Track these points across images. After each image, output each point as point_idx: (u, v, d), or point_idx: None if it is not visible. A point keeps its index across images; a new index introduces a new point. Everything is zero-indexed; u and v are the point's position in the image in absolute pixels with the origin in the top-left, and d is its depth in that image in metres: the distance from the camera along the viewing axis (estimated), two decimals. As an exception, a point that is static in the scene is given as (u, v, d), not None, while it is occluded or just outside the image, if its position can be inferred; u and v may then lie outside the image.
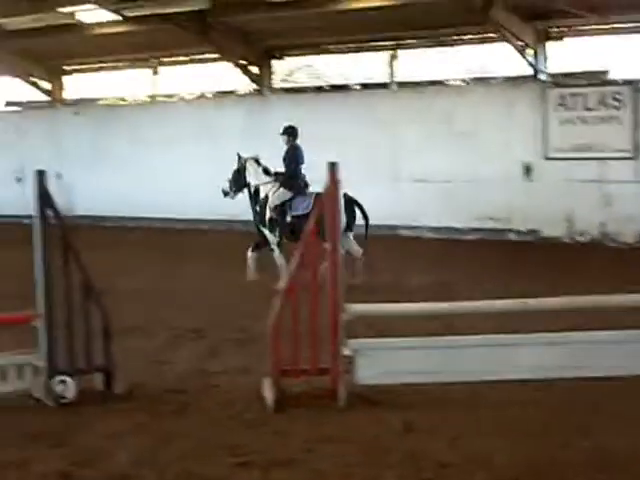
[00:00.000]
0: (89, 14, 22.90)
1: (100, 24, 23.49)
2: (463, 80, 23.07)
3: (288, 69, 25.76)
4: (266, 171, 15.55)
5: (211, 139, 24.20)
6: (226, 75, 25.68)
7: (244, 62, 24.57)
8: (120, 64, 27.29)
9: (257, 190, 15.50)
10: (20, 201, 25.41)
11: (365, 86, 24.24)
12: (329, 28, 22.64)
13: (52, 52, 26.53)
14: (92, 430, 7.71)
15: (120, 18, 22.64)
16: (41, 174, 8.81)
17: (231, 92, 26.31)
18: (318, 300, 8.22)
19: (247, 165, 15.65)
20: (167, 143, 24.75)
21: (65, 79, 28.33)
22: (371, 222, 14.92)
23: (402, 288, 14.28)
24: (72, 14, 22.84)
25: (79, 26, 23.65)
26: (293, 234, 14.67)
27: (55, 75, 28.00)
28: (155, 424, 7.87)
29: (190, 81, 26.67)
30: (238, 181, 15.68)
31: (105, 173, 25.61)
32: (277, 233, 15.21)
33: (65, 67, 27.97)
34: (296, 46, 24.46)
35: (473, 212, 21.39)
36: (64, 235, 8.75)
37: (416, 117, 22.13)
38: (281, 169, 15.40)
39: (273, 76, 25.18)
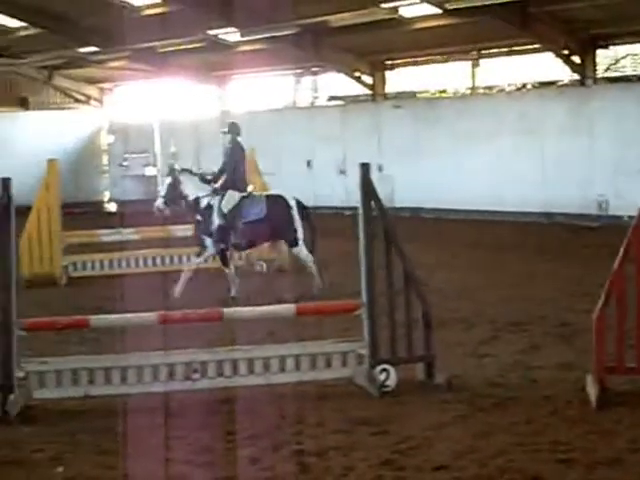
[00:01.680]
0: (411, 8, 23.21)
1: (421, 18, 23.74)
2: None
3: (612, 58, 24.92)
4: (203, 179, 14.38)
5: (531, 132, 23.85)
6: (546, 66, 25.22)
7: (565, 52, 24.03)
8: (440, 57, 27.45)
9: (197, 201, 14.25)
10: (342, 193, 26.16)
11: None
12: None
13: (374, 47, 27.06)
14: (413, 420, 7.80)
15: (441, 11, 22.78)
16: (365, 167, 9.01)
17: (552, 83, 25.82)
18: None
19: (181, 177, 14.43)
20: (487, 136, 24.62)
21: (387, 73, 28.84)
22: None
23: None
24: (394, 9, 23.23)
25: (400, 21, 24.01)
26: (245, 242, 14.08)
27: (377, 69, 28.54)
28: (475, 417, 7.86)
29: (510, 73, 26.41)
30: (173, 195, 14.40)
31: (425, 166, 25.84)
32: (225, 243, 14.04)
33: (387, 61, 28.46)
34: (623, 34, 23.59)
35: None
36: (387, 226, 8.90)
37: None
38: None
39: (597, 66, 24.44)
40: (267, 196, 14.34)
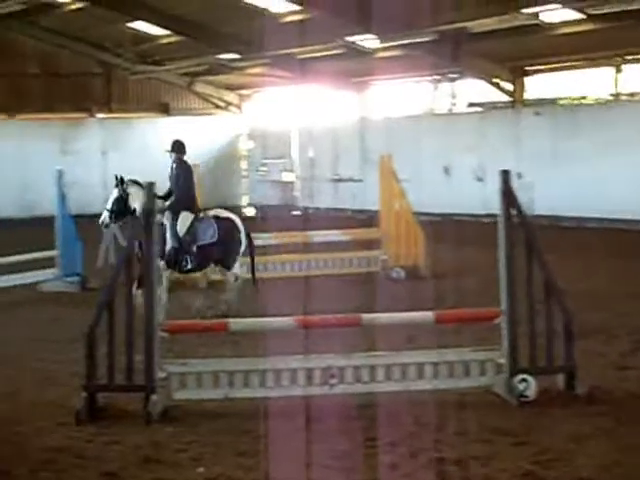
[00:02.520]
0: (552, 14, 22.84)
1: (563, 23, 23.34)
2: None
3: None
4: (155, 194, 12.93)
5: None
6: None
7: None
8: (581, 63, 26.97)
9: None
10: (480, 200, 25.91)
11: None
12: None
13: (514, 53, 26.75)
14: (554, 431, 7.66)
15: (583, 16, 22.36)
16: (506, 174, 8.91)
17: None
18: None
19: (130, 190, 13.39)
20: (629, 144, 24.06)
21: (526, 79, 28.47)
22: None
23: None
24: (535, 14, 22.89)
25: (541, 26, 23.66)
26: (194, 265, 13.34)
27: (517, 75, 28.21)
28: (619, 430, 7.67)
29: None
30: (120, 209, 13.42)
31: (564, 173, 25.43)
32: (178, 265, 13.32)
33: (527, 67, 28.11)
34: None
35: None
36: (528, 234, 8.78)
37: None
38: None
39: None
40: (217, 218, 13.57)
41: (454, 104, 30.65)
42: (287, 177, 33.56)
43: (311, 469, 6.92)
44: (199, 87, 35.54)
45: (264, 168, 34.31)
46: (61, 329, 12.64)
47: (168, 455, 7.35)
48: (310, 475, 6.83)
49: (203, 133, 33.72)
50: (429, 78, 30.65)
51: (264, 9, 26.13)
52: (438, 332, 9.88)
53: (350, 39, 26.88)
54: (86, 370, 8.40)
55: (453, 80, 30.14)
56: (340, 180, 31.43)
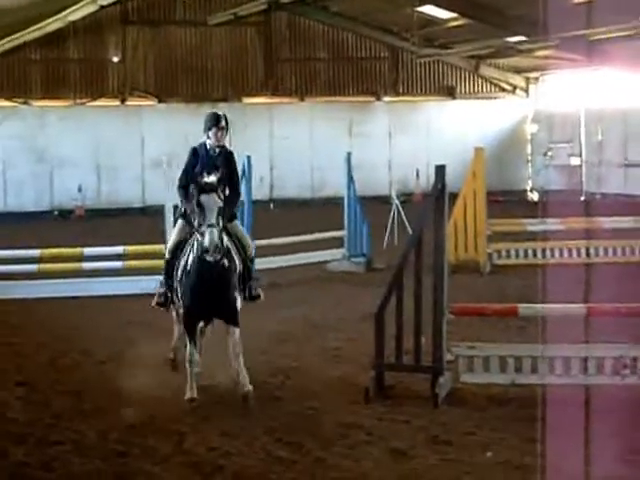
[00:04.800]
0: None
1: None
2: None
3: None
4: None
5: None
6: None
7: None
8: None
9: None
10: None
11: None
12: None
13: None
14: None
15: None
16: None
17: None
18: None
19: None
20: None
21: None
22: None
23: None
24: None
25: None
26: None
27: None
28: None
29: None
30: None
31: None
32: None
33: None
34: None
35: None
36: None
37: None
38: None
39: None
40: None
41: None
42: (574, 161, 32.78)
43: (602, 462, 6.72)
44: (485, 70, 35.28)
45: (550, 152, 33.67)
46: (347, 308, 12.91)
47: (456, 437, 7.38)
48: (601, 468, 6.64)
49: (489, 116, 33.60)
50: None
51: (553, -10, 25.58)
52: None
53: (644, 19, 25.88)
54: (375, 349, 8.54)
55: None
56: (630, 165, 30.38)
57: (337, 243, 16.76)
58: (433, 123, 33.17)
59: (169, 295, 9.31)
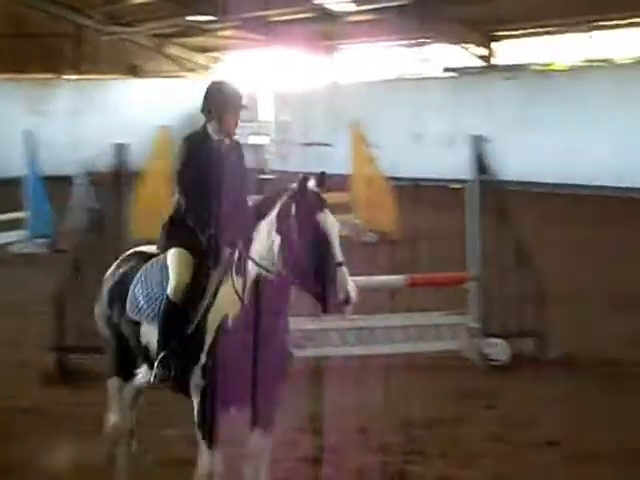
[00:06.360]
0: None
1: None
2: None
3: None
4: None
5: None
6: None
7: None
8: (553, 29, 26.92)
9: None
10: (451, 166, 25.86)
11: None
12: None
13: (486, 18, 26.70)
14: (523, 395, 7.70)
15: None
16: (477, 139, 8.92)
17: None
18: None
19: None
20: (601, 109, 24.10)
21: (498, 45, 28.41)
22: None
23: None
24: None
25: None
26: None
27: (489, 41, 28.16)
28: (584, 394, 7.72)
29: (624, 46, 25.76)
30: None
31: (534, 139, 25.45)
32: None
33: (498, 33, 28.05)
34: None
35: None
36: (498, 199, 8.78)
37: None
38: None
39: None
40: None
41: (427, 69, 30.52)
42: (254, 140, 33.34)
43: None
44: (169, 49, 35.25)
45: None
46: (30, 291, 12.50)
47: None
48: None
49: (176, 95, 33.59)
50: (402, 43, 30.54)
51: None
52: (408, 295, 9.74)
53: (319, 1, 26.75)
54: (55, 331, 8.36)
55: (425, 45, 30.07)
56: (309, 144, 31.28)
57: (18, 225, 16.20)
58: (119, 101, 32.77)
59: None
